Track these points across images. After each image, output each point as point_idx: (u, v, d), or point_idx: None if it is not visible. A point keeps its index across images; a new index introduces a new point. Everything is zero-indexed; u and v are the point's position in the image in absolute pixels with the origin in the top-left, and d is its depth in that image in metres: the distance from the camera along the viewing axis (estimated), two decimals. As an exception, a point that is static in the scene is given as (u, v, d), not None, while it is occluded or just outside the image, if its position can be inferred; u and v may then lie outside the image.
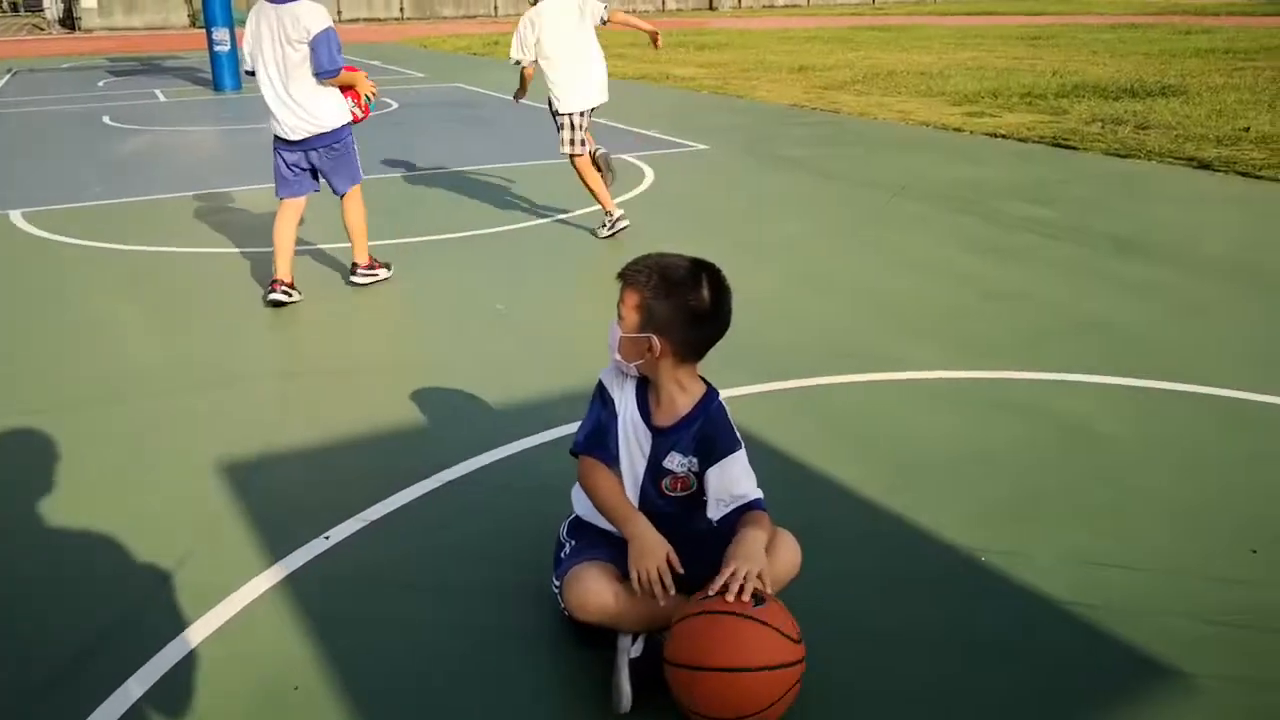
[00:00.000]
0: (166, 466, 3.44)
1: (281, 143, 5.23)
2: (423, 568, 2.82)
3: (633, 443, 2.45)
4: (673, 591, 2.22)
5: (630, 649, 2.27)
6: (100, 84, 16.77)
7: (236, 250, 6.23)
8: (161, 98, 14.80)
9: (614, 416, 2.44)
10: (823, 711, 2.26)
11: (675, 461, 2.42)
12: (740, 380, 3.99)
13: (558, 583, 2.45)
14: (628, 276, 2.36)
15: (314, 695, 2.33)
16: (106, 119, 12.23)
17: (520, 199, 7.60)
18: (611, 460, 2.44)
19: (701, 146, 9.58)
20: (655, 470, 2.44)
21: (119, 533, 3.01)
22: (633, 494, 2.46)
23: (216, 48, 15.36)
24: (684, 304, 2.31)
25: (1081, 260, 5.67)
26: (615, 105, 9.83)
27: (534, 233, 6.56)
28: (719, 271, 2.38)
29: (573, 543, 2.51)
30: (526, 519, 3.01)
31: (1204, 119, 10.06)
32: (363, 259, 5.45)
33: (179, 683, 2.38)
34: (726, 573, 2.16)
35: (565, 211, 7.00)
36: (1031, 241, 6.06)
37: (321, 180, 5.32)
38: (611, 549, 2.38)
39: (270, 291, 5.06)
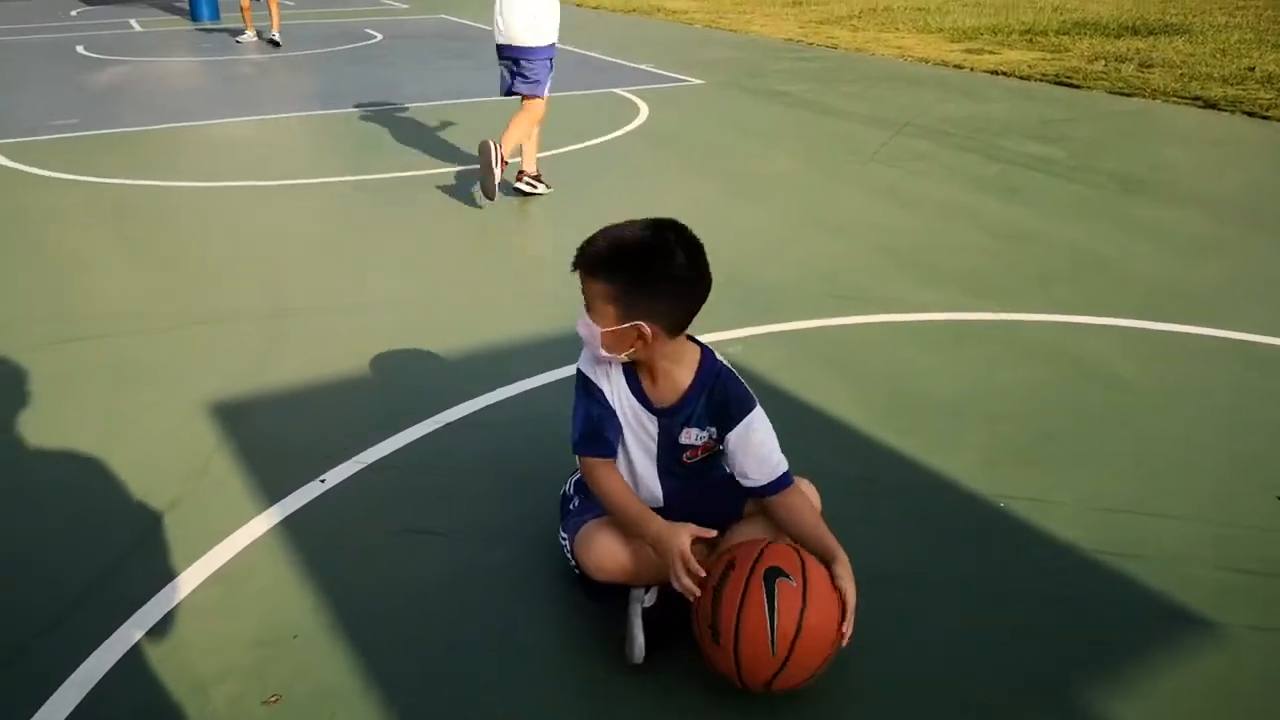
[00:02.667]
0: (154, 407, 3.31)
1: None
2: (421, 511, 2.72)
3: (637, 429, 2.27)
4: (697, 593, 2.03)
5: (644, 599, 2.18)
6: (74, 13, 16.26)
7: (218, 184, 6.03)
8: (137, 27, 14.36)
9: (605, 407, 2.23)
10: (842, 656, 2.19)
11: (693, 436, 2.25)
12: (739, 321, 3.88)
13: (566, 535, 2.35)
14: (587, 266, 2.08)
15: (314, 642, 2.24)
16: (80, 49, 11.86)
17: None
18: (613, 453, 2.26)
19: (696, 81, 9.34)
20: (671, 449, 2.28)
21: (107, 476, 2.90)
22: (649, 477, 2.32)
23: (194, -24, 14.88)
24: (663, 278, 2.05)
25: (1089, 200, 5.54)
26: (607, 39, 9.63)
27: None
28: (684, 228, 2.11)
29: (580, 497, 2.41)
30: (527, 461, 2.91)
31: (1208, 58, 9.88)
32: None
33: (177, 628, 2.29)
34: (849, 620, 2.02)
35: (556, 148, 6.81)
36: (1037, 180, 5.92)
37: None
38: None
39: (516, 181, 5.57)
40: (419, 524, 2.67)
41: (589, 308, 2.12)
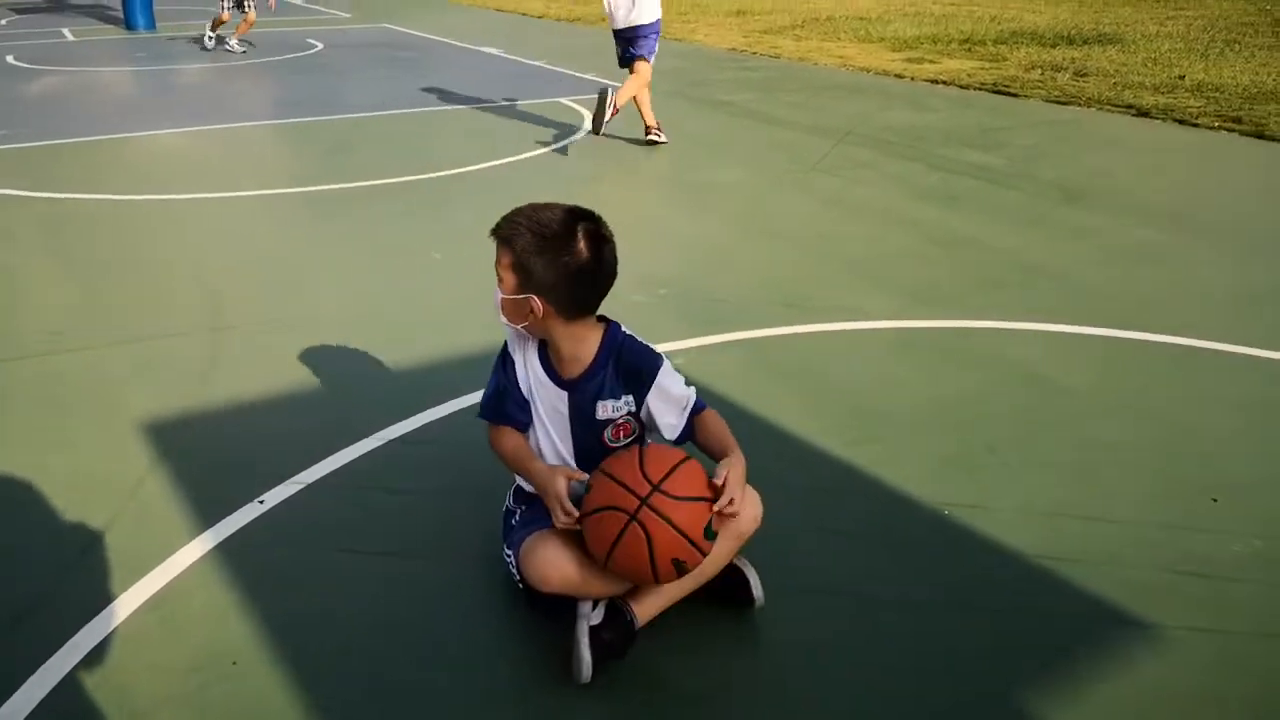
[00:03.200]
0: (87, 427, 3.22)
1: None
2: (362, 531, 2.67)
3: (548, 404, 2.32)
4: (575, 514, 2.14)
5: (590, 615, 2.16)
6: (3, 22, 15.88)
7: (155, 196, 5.90)
8: (70, 36, 14.05)
9: (512, 380, 2.34)
10: (789, 669, 2.19)
11: (609, 408, 2.30)
12: (686, 332, 3.88)
13: (510, 552, 2.32)
14: (500, 234, 2.20)
15: (253, 668, 2.18)
16: (10, 59, 11.56)
17: (452, 144, 7.34)
18: (513, 423, 2.35)
19: (641, 91, 9.34)
20: (587, 424, 2.31)
21: (38, 498, 2.81)
22: (568, 454, 2.34)
23: (128, -16, 14.59)
24: (560, 261, 2.13)
25: (1029, 207, 5.64)
26: (551, 47, 9.63)
27: (467, 179, 6.33)
28: (597, 220, 2.20)
29: (522, 508, 2.39)
30: (469, 478, 2.88)
31: (1140, 66, 10.12)
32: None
33: (111, 655, 2.22)
34: (726, 498, 2.12)
35: (498, 158, 6.77)
36: (978, 188, 6.01)
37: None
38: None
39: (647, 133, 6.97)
40: (360, 544, 2.62)
41: (498, 275, 2.23)
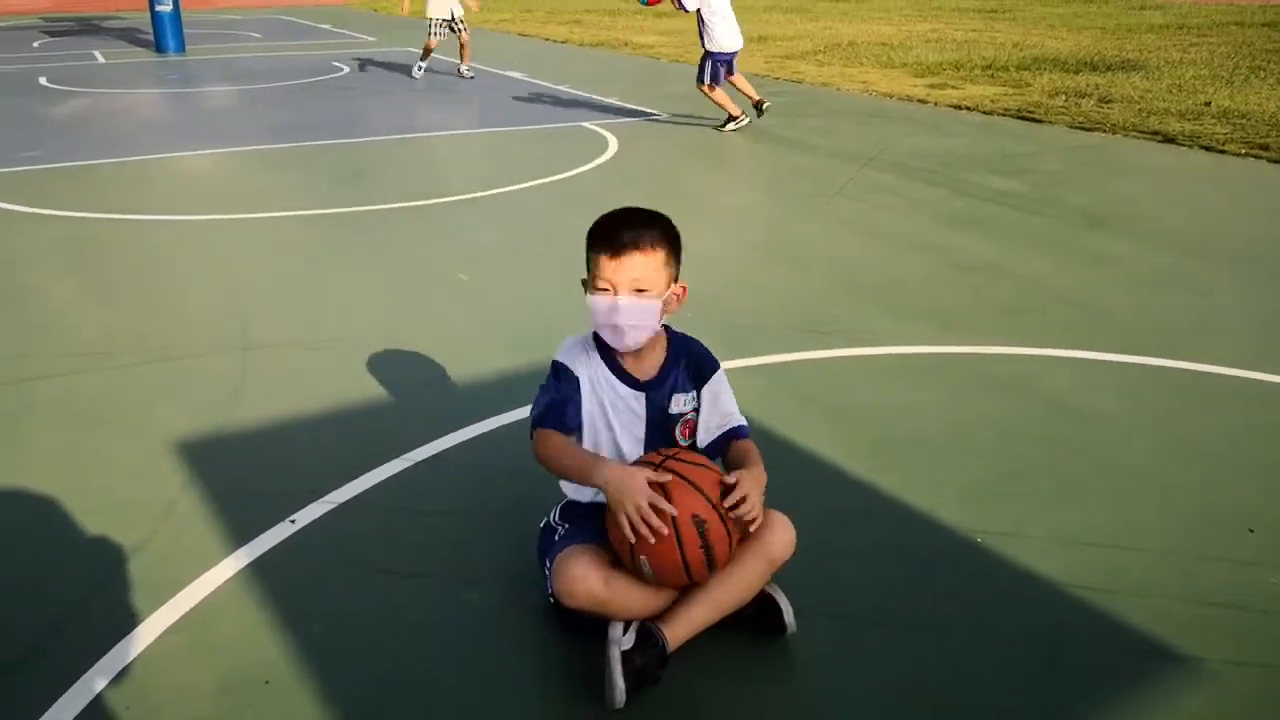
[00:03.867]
0: (118, 447, 3.25)
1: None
2: (394, 552, 2.68)
3: (624, 410, 2.35)
4: (665, 531, 2.10)
5: (621, 640, 2.15)
6: (35, 44, 16.15)
7: (183, 217, 5.97)
8: (101, 59, 14.27)
9: (574, 390, 2.32)
10: (819, 692, 2.18)
11: (682, 401, 2.39)
12: (714, 355, 3.87)
13: (549, 564, 2.32)
14: (642, 240, 2.21)
15: (284, 688, 2.19)
16: (43, 80, 11.75)
17: (477, 168, 7.40)
18: (570, 432, 2.32)
19: (664, 115, 9.41)
20: (662, 421, 2.36)
21: (70, 517, 2.84)
22: (633, 457, 2.35)
23: (158, 8, 14.82)
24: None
25: (1053, 233, 5.62)
26: (575, 73, 9.71)
27: (492, 201, 6.37)
28: None
29: (565, 526, 2.38)
30: (498, 500, 2.88)
31: (1165, 93, 10.10)
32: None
33: (141, 676, 2.23)
34: (737, 494, 2.16)
35: (522, 181, 6.82)
36: (1002, 214, 6.01)
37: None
38: (601, 527, 2.27)
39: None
40: (391, 565, 2.63)
41: (638, 285, 2.20)
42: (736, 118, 8.55)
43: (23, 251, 5.29)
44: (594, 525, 2.31)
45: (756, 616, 2.33)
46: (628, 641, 2.16)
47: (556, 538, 2.36)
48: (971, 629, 2.39)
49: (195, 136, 8.55)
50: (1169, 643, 2.33)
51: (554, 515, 2.45)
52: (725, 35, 8.38)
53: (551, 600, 2.29)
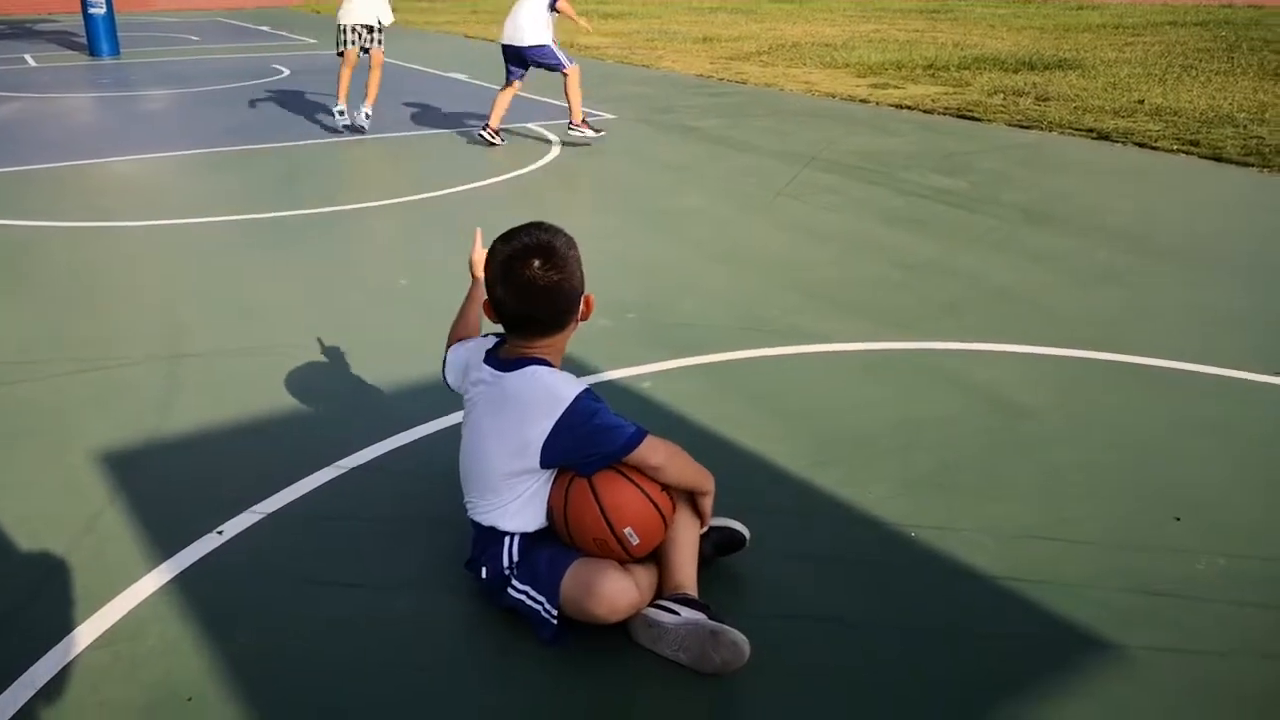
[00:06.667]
0: (41, 459, 3.15)
1: None
2: (323, 561, 2.62)
3: None
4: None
5: (684, 614, 2.22)
6: (-35, 48, 15.71)
7: (112, 224, 5.83)
8: (32, 63, 13.93)
9: None
10: (759, 695, 2.16)
11: None
12: (651, 356, 3.86)
13: (535, 589, 2.28)
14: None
15: (209, 704, 2.13)
16: (-28, 85, 11.44)
17: (415, 169, 7.32)
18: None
19: (608, 116, 9.39)
20: None
21: (-15, 533, 2.74)
22: None
23: (91, 10, 14.50)
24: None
25: (993, 230, 5.69)
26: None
27: (433, 204, 6.30)
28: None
29: (549, 552, 2.31)
30: (433, 506, 2.84)
31: (1100, 91, 10.28)
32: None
33: (63, 693, 2.15)
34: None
35: (463, 183, 6.76)
36: (943, 212, 6.06)
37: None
38: (563, 543, 2.34)
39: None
40: (320, 575, 2.57)
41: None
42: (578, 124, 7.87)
43: (-55, 260, 5.13)
44: (558, 544, 2.33)
45: (719, 548, 2.54)
46: (687, 611, 2.23)
47: (545, 563, 2.29)
48: (903, 623, 2.39)
49: (128, 141, 8.36)
50: (1101, 632, 2.35)
51: (510, 555, 2.34)
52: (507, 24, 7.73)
53: (554, 620, 2.25)
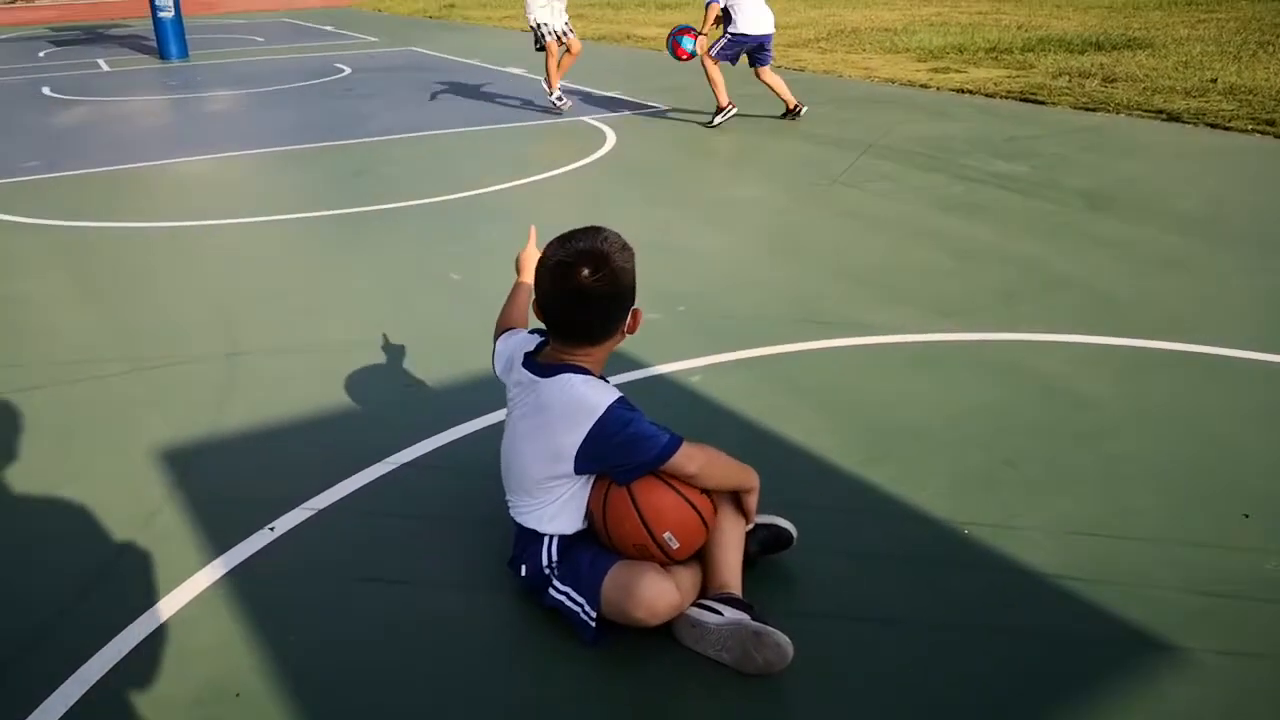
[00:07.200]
0: (100, 456, 3.23)
1: None
2: (374, 559, 2.65)
3: None
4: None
5: (727, 613, 2.21)
6: (41, 54, 16.20)
7: (179, 223, 5.96)
8: (105, 67, 14.30)
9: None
10: (808, 693, 2.13)
11: None
12: (702, 349, 3.83)
13: (575, 590, 2.27)
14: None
15: (257, 701, 2.16)
16: (46, 90, 11.78)
17: (476, 166, 7.36)
18: None
19: (664, 107, 9.35)
20: None
21: (49, 528, 2.82)
22: None
23: (160, 14, 14.83)
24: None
25: (1053, 216, 5.54)
26: (575, 67, 9.68)
27: (491, 199, 6.33)
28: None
29: (591, 554, 2.31)
30: (483, 504, 2.84)
31: (1171, 71, 9.96)
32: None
33: (115, 688, 2.20)
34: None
35: (521, 178, 6.78)
36: (1002, 198, 5.92)
37: None
38: (603, 546, 2.33)
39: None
40: (371, 572, 2.59)
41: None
42: (724, 108, 8.30)
43: (17, 261, 5.29)
44: (598, 546, 2.32)
45: (765, 546, 2.51)
46: (730, 611, 2.21)
47: (586, 565, 2.28)
48: (957, 622, 2.34)
49: (194, 142, 8.55)
50: (1157, 633, 2.27)
51: (549, 555, 2.34)
52: (745, 18, 8.14)
53: (593, 622, 2.24)
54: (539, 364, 2.32)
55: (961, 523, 2.71)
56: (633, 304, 2.29)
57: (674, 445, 2.20)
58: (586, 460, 2.21)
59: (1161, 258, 4.81)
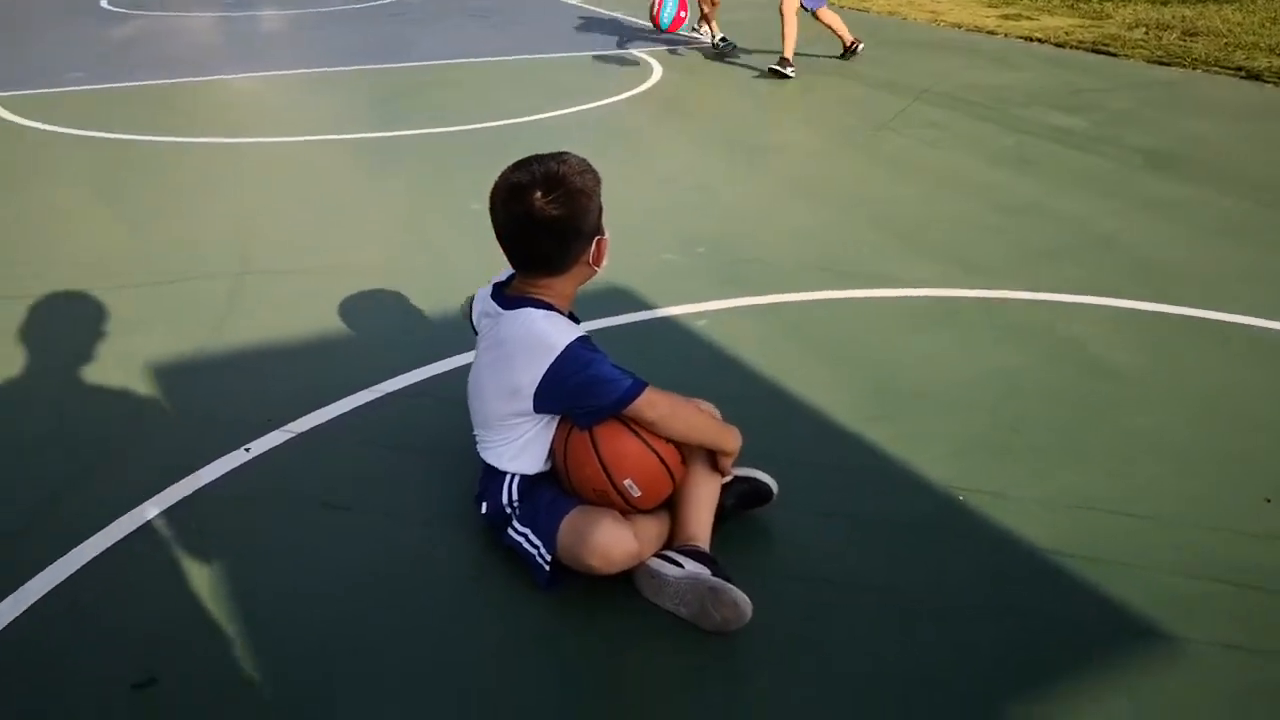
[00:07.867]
0: (92, 367, 3.20)
1: None
2: (345, 487, 2.58)
3: None
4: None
5: (689, 567, 2.11)
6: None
7: (217, 140, 5.91)
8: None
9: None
10: (788, 665, 2.03)
11: None
12: (714, 293, 3.69)
13: (529, 532, 2.19)
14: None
15: (205, 627, 2.11)
16: (104, 3, 11.79)
17: (516, 94, 7.20)
18: None
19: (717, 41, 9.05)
20: None
21: (23, 436, 2.81)
22: None
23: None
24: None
25: (1107, 174, 5.26)
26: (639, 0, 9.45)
27: (521, 129, 6.18)
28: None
29: (550, 494, 2.23)
30: (462, 436, 2.74)
31: (1258, 26, 9.41)
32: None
33: (76, 598, 2.19)
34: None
35: (561, 108, 6.62)
36: (1055, 152, 5.64)
37: None
38: (563, 488, 2.24)
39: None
40: (339, 499, 2.53)
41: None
42: (789, 61, 7.61)
43: (51, 171, 5.28)
44: (560, 488, 2.23)
45: (743, 500, 2.38)
46: (691, 564, 2.11)
47: (544, 507, 2.20)
48: (944, 596, 2.21)
49: (242, 60, 8.49)
50: (1159, 621, 2.13)
51: (509, 494, 2.26)
52: None
53: (546, 565, 2.15)
54: (506, 296, 2.21)
55: (958, 489, 2.57)
56: (600, 233, 2.16)
57: (635, 390, 2.08)
58: (544, 399, 2.11)
59: (1219, 223, 4.53)
